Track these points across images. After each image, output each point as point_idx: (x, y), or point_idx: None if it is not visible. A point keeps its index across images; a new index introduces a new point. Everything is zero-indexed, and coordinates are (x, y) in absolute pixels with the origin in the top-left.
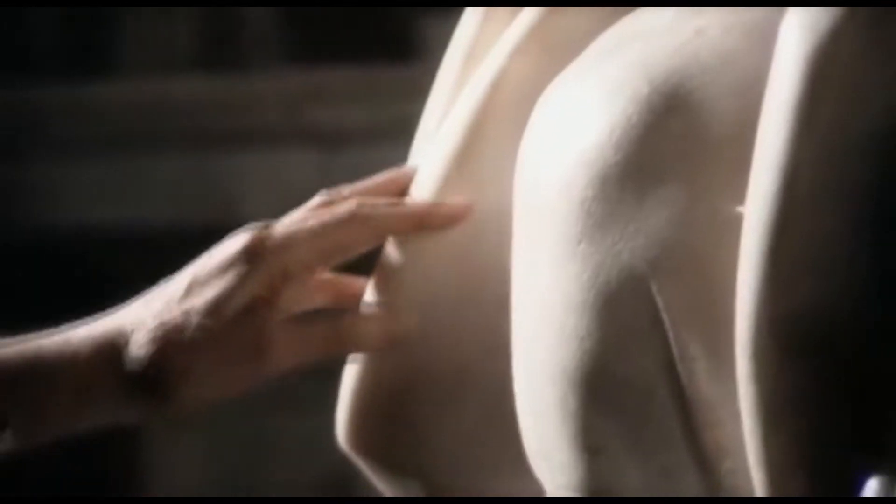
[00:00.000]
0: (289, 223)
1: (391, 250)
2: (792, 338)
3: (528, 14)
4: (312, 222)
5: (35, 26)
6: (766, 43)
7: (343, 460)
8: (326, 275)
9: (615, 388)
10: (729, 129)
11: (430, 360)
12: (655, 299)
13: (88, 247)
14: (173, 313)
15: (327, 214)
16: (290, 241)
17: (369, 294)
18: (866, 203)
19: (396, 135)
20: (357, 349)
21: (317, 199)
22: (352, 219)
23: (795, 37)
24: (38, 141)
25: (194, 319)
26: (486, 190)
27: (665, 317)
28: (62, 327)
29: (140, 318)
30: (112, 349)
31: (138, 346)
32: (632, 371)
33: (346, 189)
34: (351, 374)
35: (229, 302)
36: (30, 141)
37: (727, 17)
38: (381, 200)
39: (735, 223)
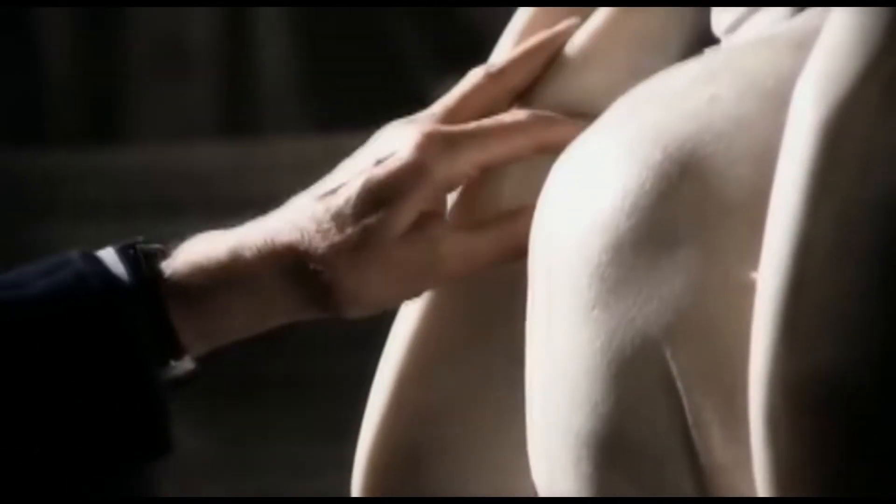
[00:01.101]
0: (456, 128)
1: None
2: (807, 402)
3: (546, 76)
4: (480, 132)
5: (53, 92)
6: (779, 109)
7: None
8: None
9: (629, 454)
10: (743, 195)
11: (446, 423)
12: (669, 365)
13: None
14: (346, 233)
15: (494, 125)
16: (457, 152)
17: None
18: (883, 265)
19: None
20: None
21: (475, 79)
22: (517, 131)
23: (809, 103)
24: (56, 206)
25: (366, 240)
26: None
27: (679, 382)
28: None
29: (309, 236)
30: (285, 269)
31: (312, 267)
32: (646, 436)
33: (506, 65)
34: (367, 437)
35: (399, 220)
36: (48, 206)
37: (741, 83)
38: (546, 113)
39: (749, 288)
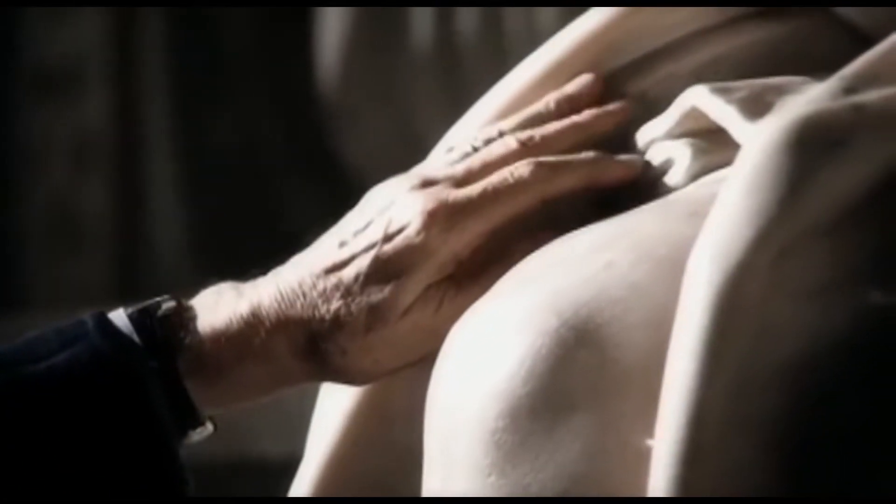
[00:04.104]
0: (462, 198)
1: None
2: None
3: None
4: (485, 201)
5: None
6: (674, 275)
7: None
8: None
9: None
10: (638, 362)
11: None
12: None
13: None
14: (355, 314)
15: (499, 187)
16: (462, 228)
17: None
18: (778, 434)
19: None
20: None
21: (507, 148)
22: (521, 192)
23: (704, 270)
24: None
25: (376, 321)
26: (396, 424)
27: None
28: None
29: (320, 314)
30: (298, 347)
31: (324, 348)
32: None
33: (545, 138)
34: None
35: (406, 297)
36: None
37: (636, 250)
38: (549, 160)
39: (645, 455)
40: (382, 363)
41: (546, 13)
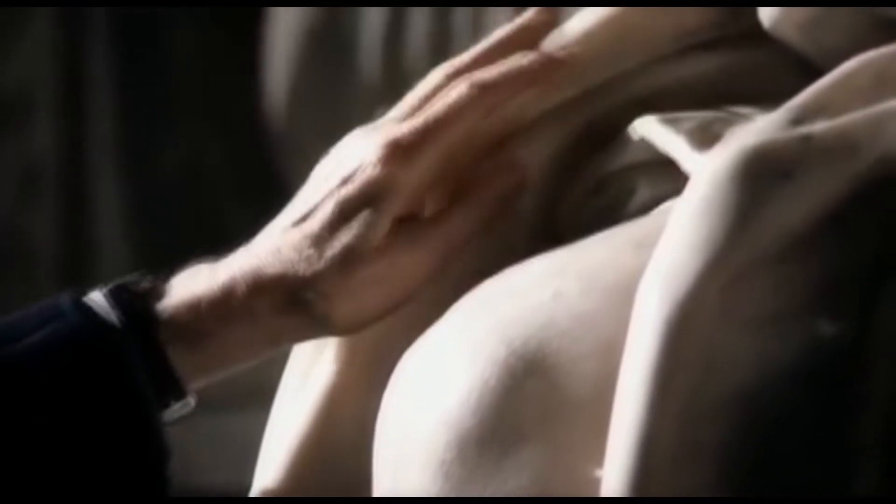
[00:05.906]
0: (408, 129)
1: None
2: None
3: None
4: (433, 127)
5: None
6: (623, 305)
7: None
8: None
9: None
10: (587, 392)
11: None
12: None
13: None
14: (327, 257)
15: (442, 112)
16: (417, 156)
17: None
18: (729, 464)
19: None
20: None
21: (436, 80)
22: (466, 110)
23: (652, 300)
24: None
25: (348, 260)
26: (344, 452)
27: None
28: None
29: (294, 266)
30: (276, 304)
31: (304, 297)
32: None
33: (470, 63)
34: None
35: (374, 233)
36: None
37: (586, 280)
38: (483, 76)
39: (594, 486)
40: (367, 308)
41: None
